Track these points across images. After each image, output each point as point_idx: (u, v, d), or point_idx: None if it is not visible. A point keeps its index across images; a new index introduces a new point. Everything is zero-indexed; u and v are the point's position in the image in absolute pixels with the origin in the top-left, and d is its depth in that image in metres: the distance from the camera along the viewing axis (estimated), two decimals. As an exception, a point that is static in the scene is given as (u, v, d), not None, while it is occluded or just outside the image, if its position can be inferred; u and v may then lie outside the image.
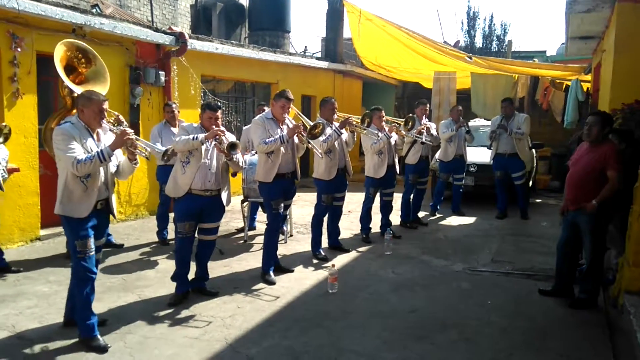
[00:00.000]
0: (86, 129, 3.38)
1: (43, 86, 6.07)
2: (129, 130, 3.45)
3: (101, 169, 3.41)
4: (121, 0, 11.48)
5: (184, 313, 4.02)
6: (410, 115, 6.49)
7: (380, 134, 5.94)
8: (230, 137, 4.19)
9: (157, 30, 7.37)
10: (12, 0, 5.22)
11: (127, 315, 3.91)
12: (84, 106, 3.38)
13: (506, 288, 4.74)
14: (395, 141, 6.24)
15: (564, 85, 11.22)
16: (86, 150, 3.29)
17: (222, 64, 8.71)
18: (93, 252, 3.41)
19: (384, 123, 6.12)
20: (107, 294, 4.36)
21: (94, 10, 7.02)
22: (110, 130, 3.68)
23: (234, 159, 4.13)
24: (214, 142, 4.07)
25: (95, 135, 3.44)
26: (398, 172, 6.48)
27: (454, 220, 7.59)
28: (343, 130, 5.28)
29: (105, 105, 3.44)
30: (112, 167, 3.54)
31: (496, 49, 21.97)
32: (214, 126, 4.08)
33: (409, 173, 6.97)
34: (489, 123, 10.04)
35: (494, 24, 23.38)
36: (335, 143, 5.30)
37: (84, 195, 3.33)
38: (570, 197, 4.29)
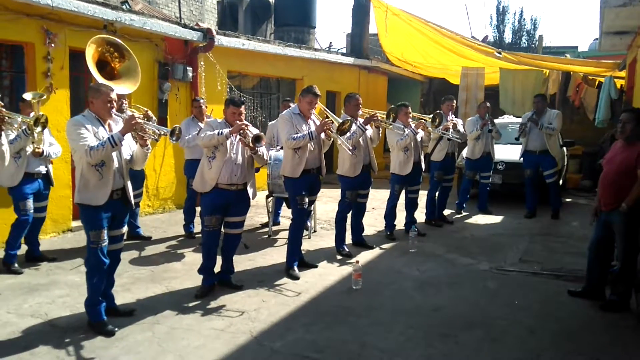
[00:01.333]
0: (97, 120, 3.50)
1: (74, 81, 6.22)
2: (136, 114, 3.55)
3: (115, 159, 3.51)
4: (150, -4, 11.65)
5: (210, 305, 4.07)
6: (438, 111, 6.40)
7: (406, 130, 5.89)
8: (254, 131, 4.22)
9: (185, 26, 7.46)
10: (47, -4, 5.36)
11: (155, 306, 3.99)
12: (93, 97, 3.52)
13: (534, 288, 4.65)
14: (422, 138, 6.18)
15: (597, 82, 10.90)
16: (98, 139, 3.40)
17: (248, 60, 8.77)
18: (106, 243, 3.53)
19: (410, 119, 6.07)
20: (136, 285, 4.46)
21: (124, 7, 7.14)
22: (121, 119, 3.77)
23: (259, 153, 4.17)
24: (238, 137, 4.11)
25: (107, 126, 3.55)
26: (424, 169, 6.41)
27: (480, 219, 7.48)
28: (368, 127, 5.26)
29: (113, 96, 3.56)
30: (126, 156, 3.64)
31: (526, 44, 21.54)
32: (238, 121, 4.12)
33: (435, 170, 6.88)
34: (518, 120, 9.85)
35: (524, 19, 22.92)
36: (360, 139, 5.28)
37: (99, 183, 3.44)
38: (603, 197, 4.18)
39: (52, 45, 5.71)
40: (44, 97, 4.71)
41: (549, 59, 10.69)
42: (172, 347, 3.38)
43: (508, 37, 22.27)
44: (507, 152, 8.18)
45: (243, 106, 4.25)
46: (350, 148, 4.93)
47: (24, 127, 4.41)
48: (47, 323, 3.68)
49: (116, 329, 3.53)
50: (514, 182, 8.13)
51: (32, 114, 4.47)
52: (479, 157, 7.43)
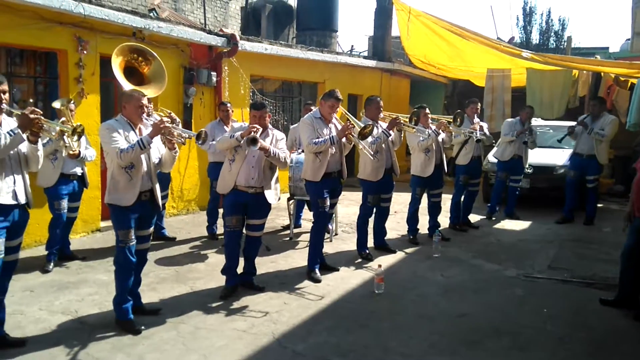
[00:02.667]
0: (129, 124, 3.63)
1: (104, 87, 6.40)
2: (165, 119, 3.69)
3: (144, 161, 3.61)
4: (176, 3, 11.90)
5: (233, 306, 4.11)
6: (459, 111, 6.32)
7: (427, 131, 5.86)
8: (270, 140, 4.27)
9: (210, 32, 7.57)
10: (79, 5, 5.53)
11: (180, 306, 4.05)
12: (126, 102, 3.67)
13: (564, 296, 4.55)
14: (443, 139, 6.13)
15: (629, 84, 10.60)
16: (129, 142, 3.52)
17: (270, 64, 8.85)
18: (134, 243, 3.65)
19: (430, 121, 6.03)
20: (161, 285, 4.55)
21: (152, 14, 7.32)
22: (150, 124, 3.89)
23: (273, 155, 4.20)
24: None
25: (137, 130, 3.66)
26: (447, 172, 6.36)
27: (507, 224, 7.33)
28: (392, 131, 5.25)
29: (144, 101, 3.69)
30: (155, 159, 3.73)
31: (554, 45, 21.14)
32: (256, 124, 4.17)
33: (460, 174, 6.75)
34: (546, 123, 9.66)
35: (552, 19, 22.53)
36: (382, 144, 5.27)
37: (128, 184, 3.55)
38: (637, 203, 4.06)
39: (84, 52, 5.89)
40: (72, 102, 4.86)
41: (578, 60, 10.45)
42: (196, 347, 3.43)
43: (535, 38, 21.93)
44: (536, 156, 7.98)
45: (264, 109, 4.28)
46: (372, 152, 4.91)
47: (64, 133, 4.58)
48: (76, 320, 3.78)
49: (143, 328, 3.61)
50: (542, 186, 7.96)
51: (62, 119, 4.62)
52: (509, 159, 7.29)
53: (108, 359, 3.25)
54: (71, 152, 4.72)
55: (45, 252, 4.93)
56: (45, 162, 4.69)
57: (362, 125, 4.66)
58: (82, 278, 4.67)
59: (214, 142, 5.68)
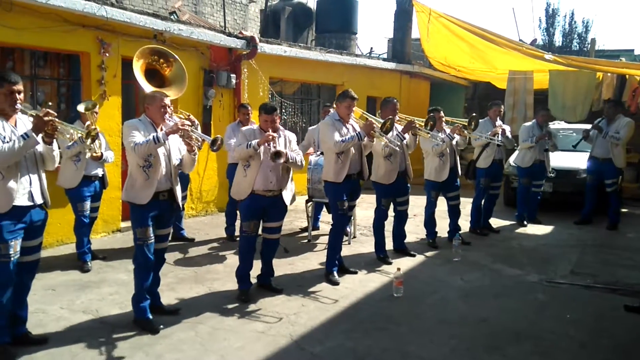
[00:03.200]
0: (151, 125, 3.69)
1: (126, 88, 6.48)
2: (186, 122, 3.75)
3: (163, 161, 3.65)
4: (196, 6, 12.03)
5: (251, 307, 4.11)
6: (474, 114, 6.22)
7: (441, 136, 5.78)
8: (288, 137, 4.27)
9: (229, 35, 7.63)
10: (102, 8, 5.62)
11: (198, 306, 4.07)
12: (149, 104, 3.74)
13: (587, 302, 4.44)
14: (457, 142, 6.04)
15: (655, 86, 10.33)
16: None
17: (289, 66, 8.87)
18: (152, 241, 3.68)
19: (444, 124, 5.94)
20: (180, 285, 4.58)
21: (172, 17, 7.40)
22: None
23: (291, 160, 4.19)
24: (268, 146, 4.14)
25: (159, 130, 3.70)
26: (467, 176, 6.26)
27: (529, 229, 7.19)
28: (406, 135, 5.18)
29: (167, 102, 3.76)
30: (175, 160, 3.76)
31: (577, 47, 20.78)
32: (270, 129, 4.15)
33: (481, 177, 6.64)
34: (569, 126, 9.47)
35: (575, 21, 22.17)
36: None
37: (145, 183, 3.60)
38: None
39: (106, 54, 5.98)
40: (96, 105, 4.93)
41: (603, 62, 10.23)
42: (214, 347, 3.43)
43: (558, 40, 21.60)
44: (559, 159, 7.83)
45: (275, 112, 4.24)
46: (398, 144, 4.88)
47: (79, 136, 4.65)
48: (97, 319, 3.82)
49: (161, 327, 3.63)
50: (565, 191, 7.81)
51: (87, 123, 4.68)
52: (530, 165, 7.15)
53: (127, 358, 3.27)
54: (94, 155, 4.79)
55: (77, 254, 5.01)
56: (68, 164, 4.80)
57: (382, 121, 4.63)
58: (102, 277, 4.72)
59: (231, 142, 5.70)
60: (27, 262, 3.29)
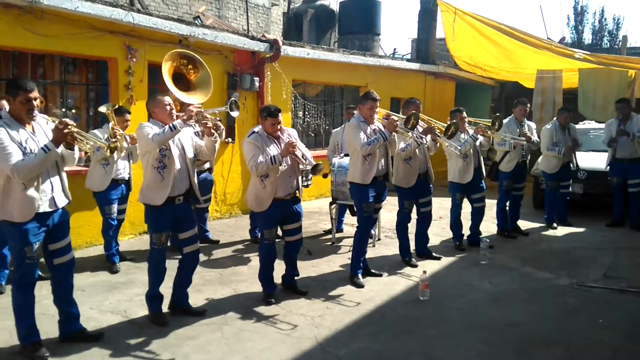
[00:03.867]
0: (162, 126, 3.68)
1: (152, 93, 6.57)
2: (197, 106, 3.82)
3: (177, 161, 3.68)
4: (219, 10, 12.18)
5: (276, 309, 4.11)
6: (498, 114, 6.07)
7: (464, 136, 5.69)
8: (302, 147, 4.18)
9: (253, 38, 7.69)
10: (129, 15, 5.73)
11: (224, 308, 4.09)
12: (154, 107, 3.78)
13: (620, 306, 4.30)
14: (480, 142, 5.93)
15: (689, 84, 9.96)
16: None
17: (312, 69, 8.88)
18: (166, 246, 3.78)
19: (467, 125, 5.83)
20: (206, 286, 4.61)
21: (196, 22, 7.50)
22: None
23: (310, 163, 4.17)
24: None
25: None
26: (490, 177, 6.15)
27: (559, 231, 7.01)
28: (426, 139, 5.07)
29: (169, 100, 3.77)
30: (190, 154, 3.79)
31: (608, 45, 20.22)
32: (280, 132, 4.12)
33: (503, 179, 6.49)
34: (600, 126, 9.21)
35: (605, 18, 21.58)
36: (416, 149, 5.12)
37: (160, 185, 3.64)
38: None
39: (133, 59, 6.10)
40: (116, 106, 5.02)
41: (635, 60, 9.92)
42: (239, 349, 3.45)
43: (587, 38, 21.09)
44: (589, 160, 7.62)
45: (280, 114, 4.17)
46: (423, 140, 4.83)
47: (105, 137, 4.75)
48: (125, 319, 3.89)
49: (168, 320, 3.76)
50: (596, 192, 7.58)
51: (110, 124, 4.75)
52: (558, 170, 6.97)
53: (155, 358, 3.32)
54: (113, 145, 4.86)
55: (105, 255, 5.11)
56: (97, 167, 4.90)
57: (404, 118, 4.59)
58: (130, 279, 4.80)
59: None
60: (62, 263, 3.37)
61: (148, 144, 3.56)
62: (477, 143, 5.82)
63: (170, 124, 3.55)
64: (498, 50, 10.25)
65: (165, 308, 3.94)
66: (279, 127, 4.15)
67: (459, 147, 5.54)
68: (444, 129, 4.99)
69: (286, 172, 4.16)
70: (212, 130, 3.73)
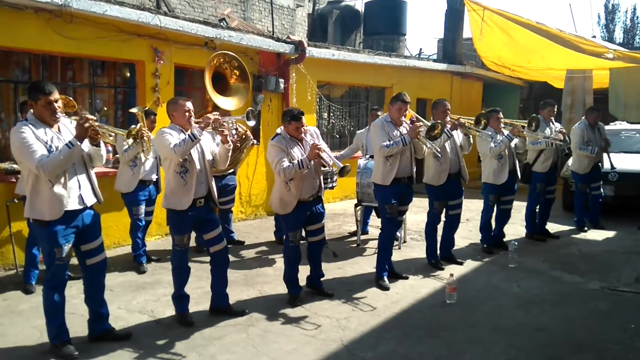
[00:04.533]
0: (180, 130, 3.73)
1: (178, 95, 6.66)
2: (213, 113, 3.82)
3: (197, 163, 3.70)
4: (245, 12, 12.27)
5: (301, 311, 4.10)
6: (534, 115, 5.94)
7: (499, 137, 5.57)
8: (326, 148, 4.15)
9: (278, 40, 7.71)
10: (156, 18, 5.81)
11: (249, 309, 4.09)
12: (174, 111, 3.77)
13: (655, 312, 4.16)
14: (516, 144, 5.80)
15: None
16: None
17: (337, 70, 8.85)
18: (188, 247, 3.84)
19: (502, 125, 5.72)
20: (232, 287, 4.57)
21: (222, 24, 7.56)
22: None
23: (347, 171, 4.13)
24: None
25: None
26: (524, 180, 6.00)
27: (590, 234, 6.83)
28: (454, 132, 5.02)
29: (190, 106, 3.76)
30: (209, 156, 3.82)
31: (640, 43, 19.61)
32: (303, 135, 4.10)
33: (537, 181, 6.34)
34: (632, 127, 8.92)
35: (637, 17, 20.92)
36: (447, 146, 5.05)
37: (184, 189, 3.66)
38: None
39: (160, 62, 6.18)
40: (146, 108, 5.08)
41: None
42: (265, 350, 3.44)
43: (619, 36, 20.51)
44: (621, 162, 7.39)
45: (303, 116, 4.14)
46: (439, 150, 4.76)
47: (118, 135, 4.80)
48: (152, 319, 3.93)
49: (193, 320, 3.79)
50: (628, 195, 7.35)
51: (139, 124, 4.81)
52: (589, 171, 6.78)
53: (181, 358, 3.34)
54: (150, 156, 4.92)
55: (133, 256, 5.20)
56: (125, 169, 4.97)
57: (429, 124, 4.53)
58: (157, 279, 4.85)
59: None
60: (95, 263, 3.41)
61: (170, 153, 3.59)
62: (512, 144, 5.70)
63: (190, 134, 3.58)
64: (527, 49, 10.03)
65: (193, 309, 3.95)
66: (302, 129, 4.14)
67: (497, 144, 5.48)
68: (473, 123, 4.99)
69: (310, 174, 4.14)
70: (228, 139, 3.77)
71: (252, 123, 4.13)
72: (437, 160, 5.05)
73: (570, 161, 7.50)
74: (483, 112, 5.45)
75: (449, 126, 4.99)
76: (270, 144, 4.10)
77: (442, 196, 5.23)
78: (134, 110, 4.90)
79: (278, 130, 4.23)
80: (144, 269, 5.08)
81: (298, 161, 3.98)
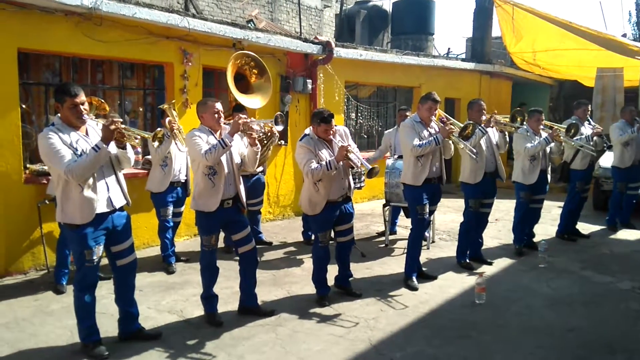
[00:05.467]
0: (209, 131, 3.76)
1: (206, 96, 6.73)
2: (243, 116, 3.80)
3: (225, 165, 3.73)
4: (272, 14, 12.33)
5: (329, 311, 4.11)
6: (574, 122, 5.78)
7: (537, 138, 5.45)
8: (355, 149, 4.13)
9: (305, 40, 7.72)
10: (184, 20, 5.89)
11: (278, 309, 4.11)
12: (203, 112, 3.81)
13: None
14: (551, 148, 5.67)
15: None
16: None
17: (364, 70, 8.82)
18: (216, 247, 3.86)
19: (541, 127, 5.58)
20: (260, 288, 4.60)
21: (250, 25, 7.61)
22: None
23: (376, 173, 4.10)
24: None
25: (217, 135, 3.79)
26: (563, 180, 5.85)
27: (621, 234, 6.67)
28: (490, 130, 4.98)
29: (219, 107, 3.79)
30: (237, 159, 3.84)
31: (674, 40, 18.79)
32: (340, 144, 4.05)
33: (577, 180, 6.22)
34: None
35: (670, 13, 20.07)
36: (483, 145, 5.01)
37: (212, 191, 3.69)
38: None
39: (189, 64, 6.26)
40: (173, 101, 5.15)
41: None
42: (294, 350, 3.46)
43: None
44: None
45: (333, 119, 4.10)
46: (474, 151, 4.71)
47: (165, 133, 4.86)
48: (182, 319, 3.98)
49: (222, 320, 3.81)
50: None
51: (168, 118, 4.86)
52: (630, 165, 6.59)
53: (211, 358, 3.37)
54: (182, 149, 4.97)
55: (162, 256, 5.25)
56: (157, 169, 5.05)
57: (462, 126, 4.44)
58: (186, 279, 4.91)
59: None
60: (125, 264, 3.46)
61: (201, 159, 3.62)
62: (548, 149, 5.62)
63: (221, 141, 3.61)
64: (557, 48, 9.78)
65: (222, 309, 3.99)
66: (332, 131, 4.12)
67: (533, 145, 5.40)
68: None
69: (338, 175, 4.13)
70: (257, 142, 3.77)
71: (280, 128, 4.14)
72: (473, 159, 4.97)
73: (601, 161, 7.28)
74: (519, 109, 5.35)
75: (483, 124, 4.92)
76: (299, 145, 4.11)
77: (477, 194, 5.17)
78: (163, 105, 5.01)
79: (306, 131, 4.23)
80: (173, 270, 5.14)
81: (326, 162, 3.98)
